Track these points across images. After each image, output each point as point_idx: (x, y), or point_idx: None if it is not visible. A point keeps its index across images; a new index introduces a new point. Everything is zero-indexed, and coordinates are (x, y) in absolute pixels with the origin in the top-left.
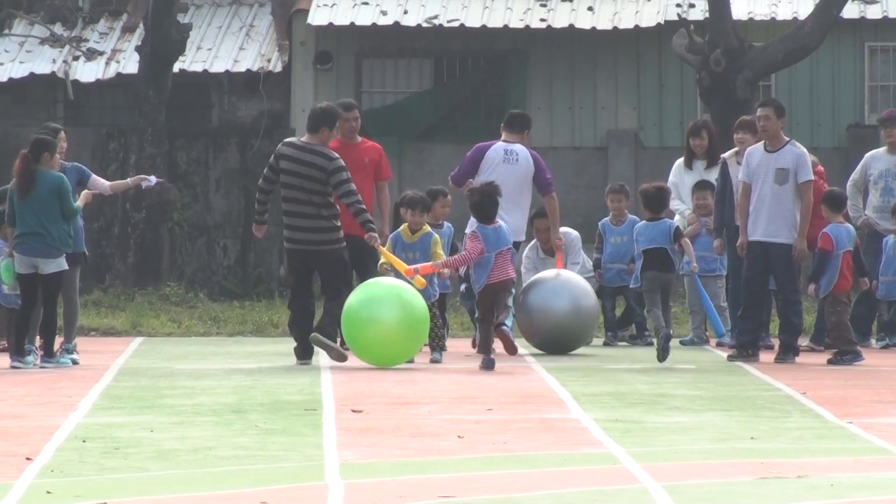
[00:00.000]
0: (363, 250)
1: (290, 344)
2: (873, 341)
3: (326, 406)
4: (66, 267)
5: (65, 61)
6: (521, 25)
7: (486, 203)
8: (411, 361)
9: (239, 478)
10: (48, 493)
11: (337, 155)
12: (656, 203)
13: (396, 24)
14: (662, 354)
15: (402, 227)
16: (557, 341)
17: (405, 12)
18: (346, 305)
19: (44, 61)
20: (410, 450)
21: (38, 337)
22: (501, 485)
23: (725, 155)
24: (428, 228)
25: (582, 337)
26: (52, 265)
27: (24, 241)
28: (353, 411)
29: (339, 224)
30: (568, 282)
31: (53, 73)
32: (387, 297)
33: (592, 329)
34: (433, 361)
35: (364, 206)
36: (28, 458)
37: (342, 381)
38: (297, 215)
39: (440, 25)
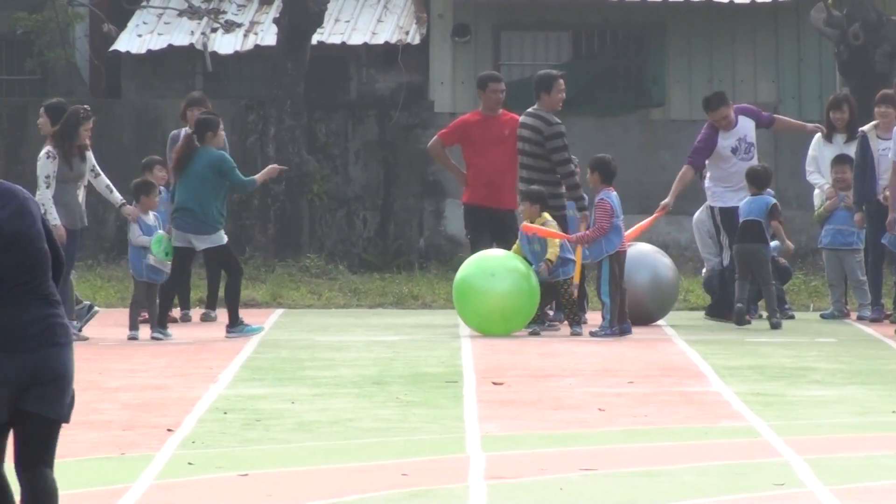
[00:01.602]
0: (503, 223)
1: (430, 315)
2: None
3: (467, 378)
4: (223, 242)
5: (203, 33)
6: None
7: (614, 165)
8: (537, 334)
9: (379, 450)
10: (189, 464)
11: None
12: (760, 180)
13: None
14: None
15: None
16: (636, 315)
17: None
18: (460, 276)
19: (182, 33)
20: (551, 422)
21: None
22: (642, 458)
23: (865, 128)
24: (547, 216)
25: (662, 310)
26: (206, 241)
27: (178, 216)
28: (494, 384)
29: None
30: (646, 255)
31: (192, 45)
32: (499, 268)
33: (672, 302)
34: (574, 335)
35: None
36: (169, 430)
37: (483, 353)
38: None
39: None
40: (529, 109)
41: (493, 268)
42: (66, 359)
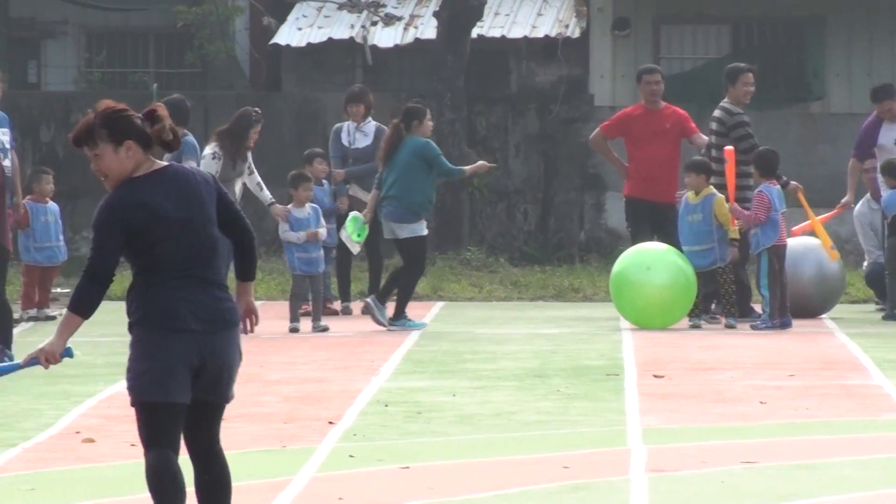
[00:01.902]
0: (664, 216)
1: (591, 308)
2: None
3: (628, 371)
4: (422, 233)
5: (363, 27)
6: None
7: (774, 159)
8: (698, 327)
9: (541, 443)
10: (351, 457)
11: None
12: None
13: None
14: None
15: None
16: (802, 308)
17: None
18: (616, 269)
19: (342, 26)
20: (712, 415)
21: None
22: (803, 451)
23: None
24: (712, 189)
25: (827, 303)
26: (406, 230)
27: (385, 204)
28: (655, 376)
29: None
30: (812, 248)
31: (352, 38)
32: (655, 261)
33: (837, 296)
34: (728, 327)
35: None
36: (331, 422)
37: (643, 346)
38: None
39: None
40: (721, 102)
41: (649, 261)
42: (236, 342)
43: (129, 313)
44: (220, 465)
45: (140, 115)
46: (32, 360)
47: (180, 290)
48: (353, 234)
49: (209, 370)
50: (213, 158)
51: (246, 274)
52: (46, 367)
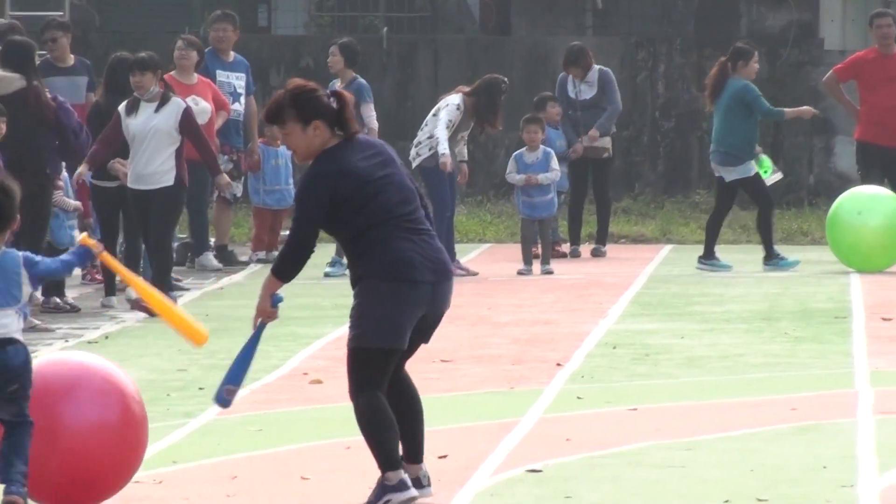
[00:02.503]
0: (894, 160)
1: (819, 251)
2: None
3: (856, 313)
4: (749, 174)
5: None
6: None
7: None
8: None
9: (768, 385)
10: (578, 398)
11: None
12: None
13: None
14: None
15: None
16: None
17: None
18: (830, 212)
19: None
20: None
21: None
22: None
23: None
24: None
25: None
26: (733, 172)
27: (712, 147)
28: (884, 319)
29: None
30: None
31: None
32: (867, 205)
33: None
34: None
35: None
36: (559, 364)
37: (872, 289)
38: None
39: None
40: None
41: (860, 206)
42: (451, 291)
43: (357, 267)
44: (411, 382)
45: (328, 93)
46: (259, 328)
47: (410, 243)
48: (765, 172)
49: (429, 318)
50: (457, 109)
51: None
52: (266, 323)
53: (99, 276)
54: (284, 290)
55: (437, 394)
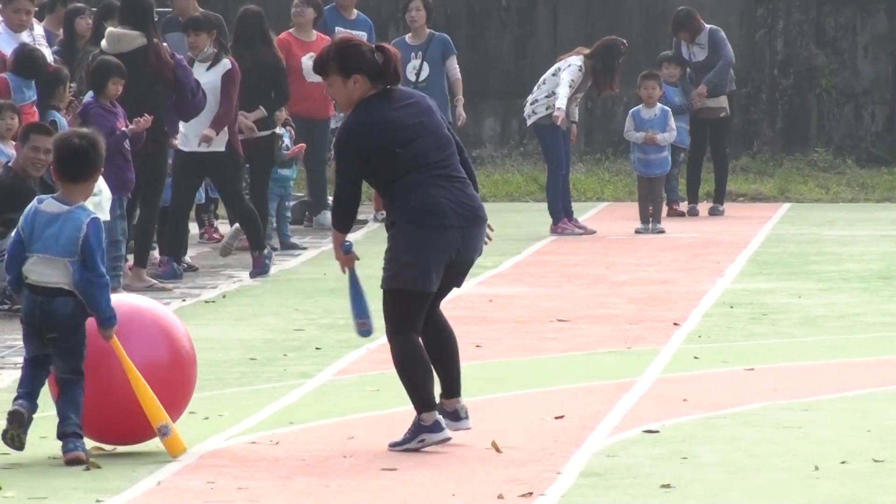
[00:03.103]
0: None
1: None
2: None
3: None
4: None
5: None
6: None
7: None
8: None
9: (886, 344)
10: (695, 358)
11: None
12: None
13: None
14: None
15: None
16: None
17: None
18: None
19: None
20: None
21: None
22: None
23: None
24: None
25: None
26: None
27: None
28: None
29: None
30: None
31: None
32: None
33: None
34: None
35: None
36: (675, 324)
37: None
38: None
39: None
40: None
41: None
42: (483, 236)
43: (390, 212)
44: (446, 321)
45: (373, 48)
46: (352, 279)
47: (441, 189)
48: None
49: (459, 262)
50: (579, 70)
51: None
52: (353, 269)
53: (216, 235)
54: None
55: (554, 354)
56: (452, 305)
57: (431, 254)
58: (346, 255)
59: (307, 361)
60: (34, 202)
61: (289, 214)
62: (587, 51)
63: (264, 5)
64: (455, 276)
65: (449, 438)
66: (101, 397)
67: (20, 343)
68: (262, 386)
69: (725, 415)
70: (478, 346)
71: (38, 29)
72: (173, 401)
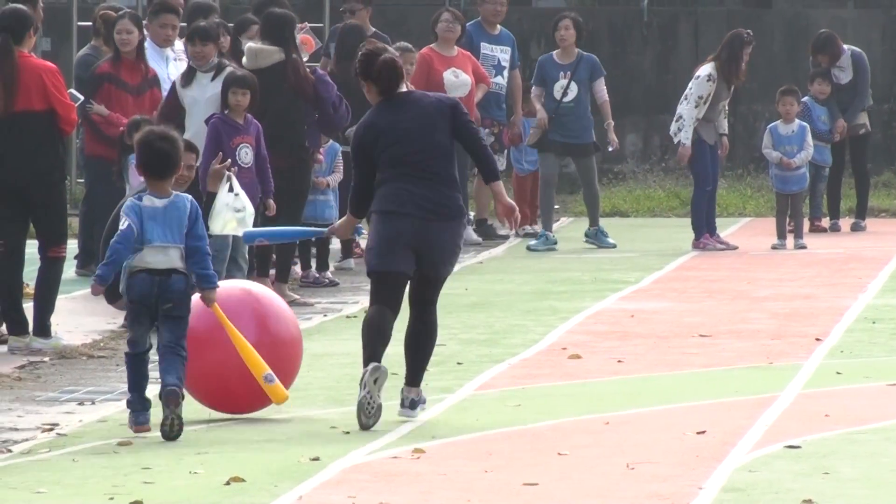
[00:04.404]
0: None
1: None
2: None
3: None
4: None
5: None
6: None
7: None
8: None
9: None
10: (838, 373)
11: None
12: None
13: None
14: None
15: None
16: None
17: None
18: None
19: None
20: None
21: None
22: None
23: None
24: None
25: None
26: None
27: None
28: None
29: None
30: None
31: None
32: None
33: None
34: None
35: None
36: (818, 339)
37: None
38: None
39: None
40: None
41: None
42: (452, 231)
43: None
44: (429, 319)
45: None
46: (318, 233)
47: (406, 184)
48: None
49: (425, 251)
50: (708, 80)
51: (487, 176)
52: (328, 237)
53: (358, 250)
54: None
55: (696, 369)
56: (594, 321)
57: (386, 238)
58: (346, 232)
59: (448, 376)
60: (133, 200)
61: None
62: (714, 55)
63: (406, 20)
64: (426, 263)
65: (367, 391)
66: (219, 366)
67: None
68: None
69: (867, 430)
70: (619, 361)
71: (179, 44)
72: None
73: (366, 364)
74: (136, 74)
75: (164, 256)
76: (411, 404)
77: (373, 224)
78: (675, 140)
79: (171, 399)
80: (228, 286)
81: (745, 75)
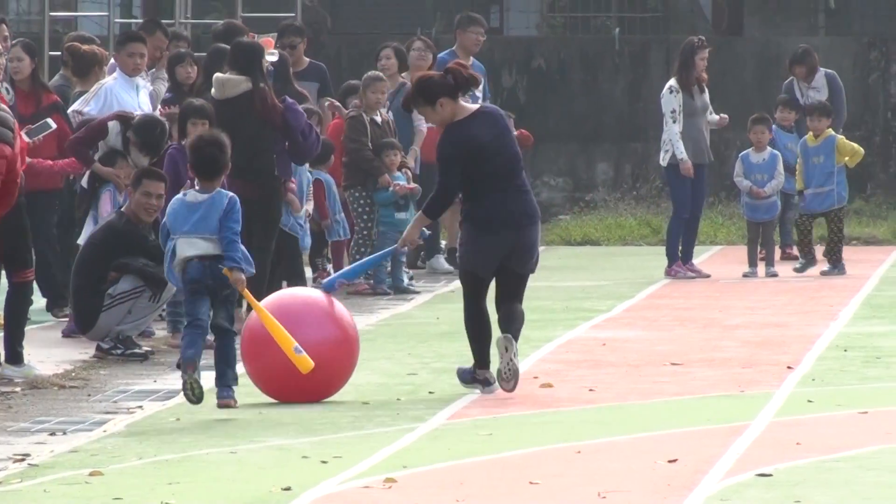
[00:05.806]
0: None
1: None
2: None
3: None
4: None
5: None
6: None
7: None
8: None
9: None
10: (809, 401)
11: None
12: None
13: None
14: None
15: None
16: None
17: None
18: None
19: None
20: None
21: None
22: None
23: None
24: None
25: None
26: None
27: None
28: None
29: None
30: None
31: None
32: None
33: None
34: None
35: None
36: (789, 367)
37: None
38: None
39: None
40: None
41: None
42: (536, 233)
43: (465, 207)
44: (517, 306)
45: (443, 73)
46: (388, 252)
47: (501, 194)
48: None
49: (517, 252)
50: (670, 93)
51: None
52: (402, 249)
53: (364, 287)
54: None
55: (667, 397)
56: (566, 349)
57: (483, 248)
58: (418, 239)
59: (420, 405)
60: (178, 196)
61: (403, 259)
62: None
63: (376, 49)
64: (517, 262)
65: (495, 391)
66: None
67: (133, 388)
68: (376, 430)
69: (840, 458)
70: (591, 389)
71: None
72: (342, 370)
73: (478, 365)
74: (29, 104)
75: (205, 243)
76: (493, 378)
77: (468, 232)
78: (664, 164)
79: (188, 365)
80: (293, 293)
81: (705, 80)
